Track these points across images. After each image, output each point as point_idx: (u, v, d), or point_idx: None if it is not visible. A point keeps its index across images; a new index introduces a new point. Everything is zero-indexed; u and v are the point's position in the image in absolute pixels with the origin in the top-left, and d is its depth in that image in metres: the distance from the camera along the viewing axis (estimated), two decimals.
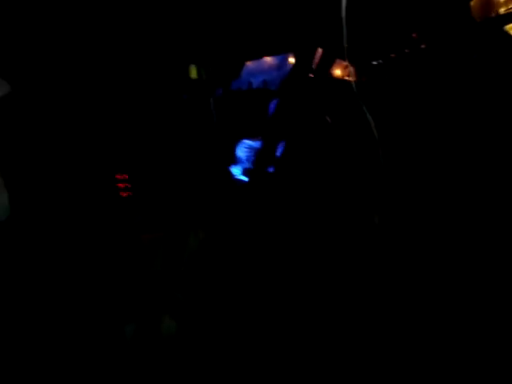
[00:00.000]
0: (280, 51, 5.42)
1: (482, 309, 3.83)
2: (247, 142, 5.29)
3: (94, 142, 4.92)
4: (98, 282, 4.06)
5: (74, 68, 4.94)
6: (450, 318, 3.86)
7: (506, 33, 4.47)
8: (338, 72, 5.20)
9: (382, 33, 5.03)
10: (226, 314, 4.09)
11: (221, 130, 5.35)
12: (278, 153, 5.18)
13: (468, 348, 3.68)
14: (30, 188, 4.42)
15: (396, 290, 4.09)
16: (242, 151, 5.29)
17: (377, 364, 3.75)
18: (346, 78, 5.15)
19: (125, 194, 4.95)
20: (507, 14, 4.47)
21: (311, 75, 5.20)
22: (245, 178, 5.23)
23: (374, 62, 5.07)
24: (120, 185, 4.95)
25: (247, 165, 5.23)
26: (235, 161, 5.30)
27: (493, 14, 4.57)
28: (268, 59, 5.46)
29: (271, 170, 5.18)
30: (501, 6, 4.52)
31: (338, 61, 5.21)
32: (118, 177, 4.96)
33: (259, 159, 5.21)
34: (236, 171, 5.25)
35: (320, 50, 5.20)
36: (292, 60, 5.34)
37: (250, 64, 5.48)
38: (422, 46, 4.87)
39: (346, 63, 5.14)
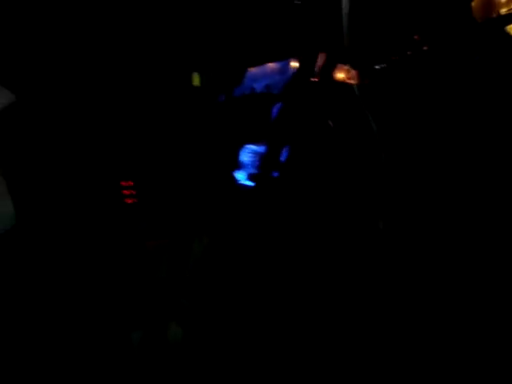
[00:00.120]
0: (282, 56, 5.43)
1: (486, 312, 3.83)
2: (251, 146, 5.29)
3: (99, 148, 4.95)
4: (104, 289, 4.09)
5: (76, 71, 4.97)
6: (453, 321, 3.86)
7: (508, 34, 4.45)
8: (340, 75, 5.19)
9: (384, 35, 5.03)
10: (230, 319, 4.09)
11: (224, 136, 5.37)
12: (283, 157, 5.18)
13: (469, 348, 3.68)
14: (33, 195, 4.45)
15: (400, 294, 4.09)
16: (245, 156, 5.30)
17: (377, 364, 3.75)
18: (349, 82, 5.16)
19: (130, 201, 4.97)
20: (509, 14, 4.46)
21: (314, 79, 5.20)
22: (250, 183, 5.23)
23: (377, 65, 5.07)
24: (125, 191, 4.98)
25: (251, 170, 5.24)
26: (239, 166, 5.30)
27: (494, 15, 4.56)
28: (270, 64, 5.47)
29: (276, 174, 5.18)
30: (502, 6, 4.51)
31: (339, 64, 5.22)
32: (123, 183, 4.99)
33: (264, 164, 5.21)
34: (240, 176, 5.26)
35: (323, 55, 5.21)
36: (294, 64, 5.35)
37: (252, 69, 5.49)
38: (424, 48, 4.86)
39: (347, 67, 5.16)
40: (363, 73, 5.12)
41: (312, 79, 5.21)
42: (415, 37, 4.90)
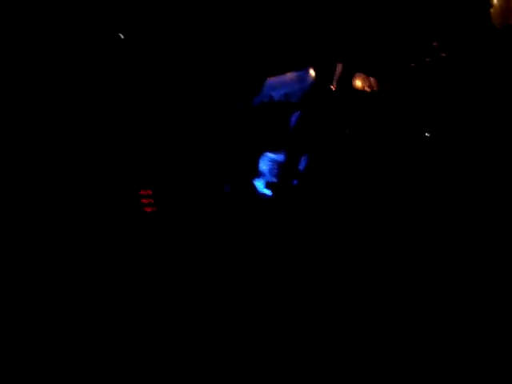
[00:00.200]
0: (300, 66, 5.45)
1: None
2: (270, 155, 5.30)
3: (119, 158, 5.01)
4: (121, 295, 4.11)
5: (103, 84, 5.05)
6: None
7: None
8: (358, 83, 5.19)
9: (403, 42, 5.02)
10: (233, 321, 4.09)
11: (244, 144, 5.39)
12: (302, 166, 5.18)
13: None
14: (55, 202, 4.52)
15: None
16: (264, 164, 5.31)
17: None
18: (367, 89, 5.15)
19: (149, 210, 5.01)
20: None
21: (333, 87, 5.21)
22: (268, 192, 5.24)
23: (395, 72, 5.06)
24: (144, 200, 5.02)
25: (270, 178, 5.24)
26: (258, 174, 5.31)
27: None
28: (289, 73, 5.49)
29: (295, 183, 5.18)
30: None
31: (358, 73, 5.22)
32: (142, 192, 5.03)
33: (283, 172, 5.22)
34: (259, 184, 5.27)
35: (340, 65, 5.22)
36: (313, 72, 5.36)
37: (271, 78, 5.52)
38: (443, 55, 4.84)
39: (365, 75, 5.15)
40: (381, 80, 5.12)
41: (330, 88, 5.22)
42: (434, 43, 4.88)
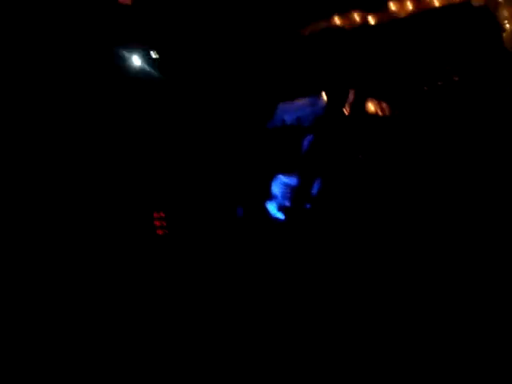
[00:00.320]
0: (312, 92, 5.49)
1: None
2: (282, 178, 5.30)
3: (134, 180, 5.05)
4: (131, 314, 4.10)
5: (126, 106, 5.11)
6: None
7: None
8: (370, 107, 5.21)
9: (415, 66, 5.04)
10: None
11: (257, 167, 5.40)
12: (314, 190, 5.16)
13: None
14: (72, 224, 4.55)
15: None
16: (277, 187, 5.31)
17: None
18: (379, 113, 5.16)
19: (161, 232, 5.02)
20: None
21: (345, 111, 5.23)
22: (280, 215, 5.22)
23: (407, 96, 5.06)
24: (157, 223, 5.04)
25: (282, 201, 5.23)
26: (271, 197, 5.31)
27: None
28: (301, 98, 5.53)
29: (307, 206, 5.17)
30: None
31: (370, 98, 5.23)
32: (155, 215, 5.05)
33: (295, 196, 5.21)
34: (272, 208, 5.26)
35: (352, 91, 5.25)
36: (325, 97, 5.39)
37: (283, 103, 5.56)
38: (455, 78, 4.85)
39: (377, 100, 5.16)
40: (394, 105, 5.13)
41: (343, 112, 5.24)
42: (446, 67, 4.89)
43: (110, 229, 4.79)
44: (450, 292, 4.04)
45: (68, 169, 4.76)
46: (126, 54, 4.92)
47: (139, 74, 5.03)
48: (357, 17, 5.16)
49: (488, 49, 4.73)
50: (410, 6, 4.82)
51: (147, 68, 5.03)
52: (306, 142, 5.25)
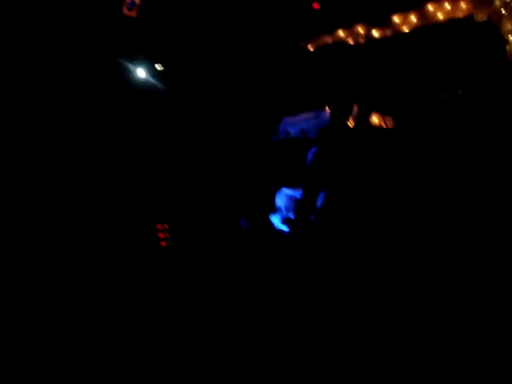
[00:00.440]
0: (316, 106, 5.50)
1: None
2: (286, 190, 5.29)
3: (138, 191, 5.05)
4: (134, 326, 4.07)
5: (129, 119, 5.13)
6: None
7: None
8: (375, 120, 5.22)
9: (419, 79, 5.06)
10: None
11: (260, 179, 5.40)
12: (319, 203, 5.15)
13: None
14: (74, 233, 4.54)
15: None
16: (281, 200, 5.29)
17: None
18: (383, 126, 5.16)
19: (164, 244, 5.00)
20: None
21: (350, 124, 5.24)
22: (284, 228, 5.20)
23: (411, 109, 5.07)
24: (160, 234, 5.02)
25: (286, 214, 5.22)
26: (274, 209, 5.29)
27: None
28: (305, 112, 5.54)
29: (312, 219, 5.15)
30: None
31: (373, 111, 5.24)
32: (159, 227, 5.03)
33: (300, 209, 5.19)
34: (275, 220, 5.24)
35: (356, 106, 5.26)
36: (328, 110, 5.41)
37: (287, 117, 5.58)
38: (459, 92, 4.86)
39: (380, 113, 5.16)
40: (397, 117, 5.14)
41: (347, 124, 5.25)
42: (450, 80, 4.91)
43: (114, 239, 4.77)
44: (457, 303, 4.03)
45: (73, 179, 4.76)
46: (131, 65, 4.94)
47: (144, 85, 5.06)
48: (361, 30, 5.19)
49: (492, 62, 4.75)
50: (413, 19, 4.85)
51: (152, 80, 5.06)
52: (310, 155, 5.25)
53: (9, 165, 4.61)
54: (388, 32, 5.10)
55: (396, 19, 5.00)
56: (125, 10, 4.77)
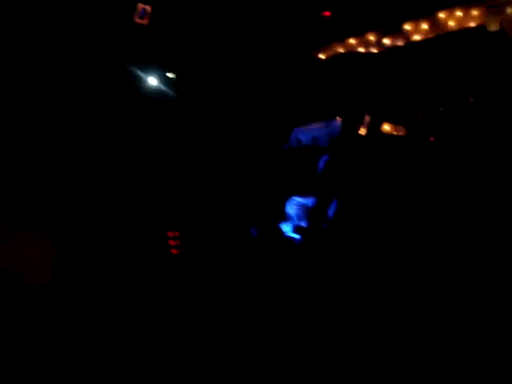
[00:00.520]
0: (327, 117, 5.51)
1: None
2: (297, 199, 5.28)
3: (149, 199, 5.04)
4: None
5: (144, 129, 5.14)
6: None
7: None
8: (386, 128, 5.21)
9: (430, 87, 5.05)
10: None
11: (271, 187, 5.39)
12: (331, 211, 5.12)
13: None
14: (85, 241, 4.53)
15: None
16: (291, 208, 5.28)
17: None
18: (395, 133, 5.16)
19: (175, 252, 4.99)
20: None
21: (361, 132, 5.23)
22: (296, 236, 5.18)
23: (423, 117, 5.06)
24: (171, 242, 5.01)
25: (297, 222, 5.20)
26: (285, 218, 5.28)
27: None
28: (316, 122, 5.55)
29: (324, 227, 5.12)
30: None
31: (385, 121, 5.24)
32: (170, 234, 5.02)
33: (312, 217, 5.17)
34: (286, 229, 5.22)
35: (367, 116, 5.26)
36: (339, 119, 5.41)
37: (299, 127, 5.59)
38: (471, 100, 4.86)
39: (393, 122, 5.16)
40: (409, 126, 5.14)
41: (358, 133, 5.24)
42: (462, 89, 4.91)
43: (126, 246, 4.76)
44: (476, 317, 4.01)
45: (85, 186, 4.76)
46: (142, 73, 4.96)
47: (155, 93, 5.07)
48: (372, 38, 5.18)
49: (503, 70, 4.75)
50: (425, 27, 4.84)
51: (163, 88, 5.07)
52: (321, 163, 5.25)
53: (26, 174, 4.62)
54: (399, 40, 5.09)
55: (407, 27, 4.99)
56: (136, 19, 4.79)
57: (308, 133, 5.46)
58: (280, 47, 5.53)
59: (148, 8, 4.78)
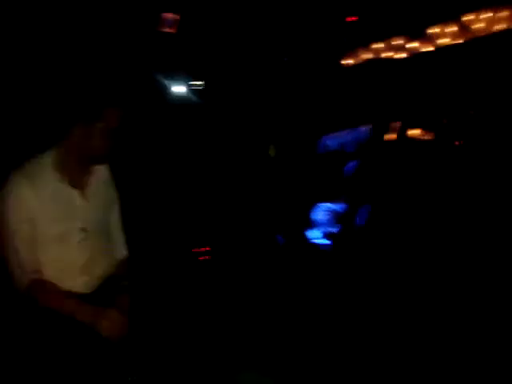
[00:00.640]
0: (353, 124, 5.50)
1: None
2: (325, 204, 5.25)
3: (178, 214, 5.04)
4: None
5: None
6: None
7: None
8: (413, 132, 5.20)
9: (459, 91, 5.03)
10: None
11: (296, 194, 5.37)
12: (362, 216, 5.08)
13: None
14: None
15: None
16: (320, 214, 5.24)
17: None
18: (422, 138, 5.14)
19: (202, 259, 4.98)
20: None
21: (390, 139, 5.21)
22: (326, 242, 5.14)
23: (448, 121, 5.04)
24: (199, 250, 5.01)
25: (327, 228, 5.16)
26: (312, 224, 5.24)
27: None
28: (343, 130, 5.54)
29: (355, 232, 5.08)
30: None
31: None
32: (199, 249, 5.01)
33: (343, 222, 5.13)
34: (315, 235, 5.19)
35: (396, 122, 5.25)
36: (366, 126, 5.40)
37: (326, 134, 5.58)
38: (497, 106, 4.82)
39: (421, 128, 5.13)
40: (434, 129, 5.11)
41: (387, 139, 5.23)
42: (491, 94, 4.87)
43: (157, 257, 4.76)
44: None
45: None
46: (170, 82, 4.98)
47: (183, 101, 5.09)
48: (396, 43, 5.16)
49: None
50: (452, 30, 4.81)
51: (191, 96, 5.09)
52: (350, 168, 5.22)
53: None
54: (426, 45, 5.08)
55: (434, 31, 4.98)
56: (164, 27, 4.83)
57: (335, 139, 5.46)
58: (307, 55, 5.54)
59: (176, 17, 4.82)
